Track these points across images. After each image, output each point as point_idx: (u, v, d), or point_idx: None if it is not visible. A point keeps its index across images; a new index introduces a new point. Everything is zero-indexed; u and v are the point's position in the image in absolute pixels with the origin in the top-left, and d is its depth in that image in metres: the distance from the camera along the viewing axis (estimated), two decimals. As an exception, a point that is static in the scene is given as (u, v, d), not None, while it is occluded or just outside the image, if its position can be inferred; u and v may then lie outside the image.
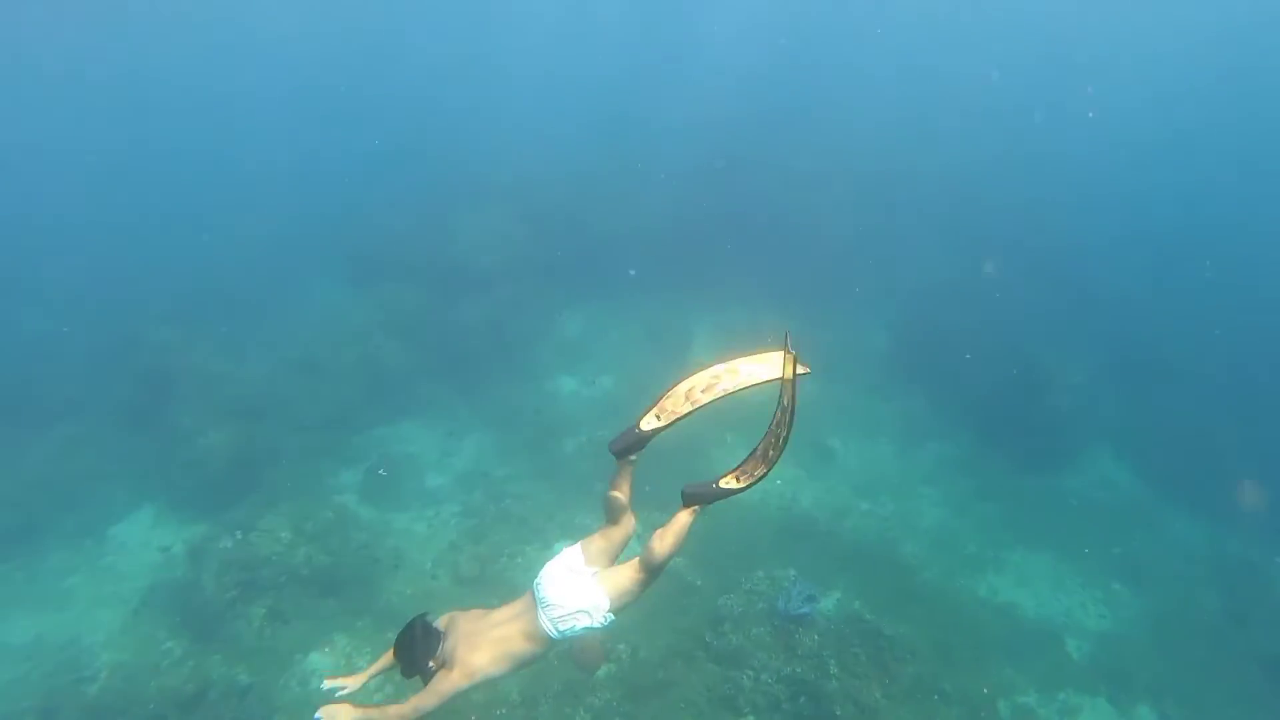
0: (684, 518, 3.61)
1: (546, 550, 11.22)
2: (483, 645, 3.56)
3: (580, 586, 3.51)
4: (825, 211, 18.76)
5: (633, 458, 3.74)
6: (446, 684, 3.37)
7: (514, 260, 16.98)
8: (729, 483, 3.57)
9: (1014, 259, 17.50)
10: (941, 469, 13.76)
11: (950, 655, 9.23)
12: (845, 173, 20.24)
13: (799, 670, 8.46)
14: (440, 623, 3.68)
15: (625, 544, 3.79)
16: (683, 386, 3.74)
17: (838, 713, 7.91)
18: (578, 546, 3.70)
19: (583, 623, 3.50)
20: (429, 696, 3.34)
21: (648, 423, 3.70)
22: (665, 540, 3.57)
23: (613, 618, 3.54)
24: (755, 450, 3.52)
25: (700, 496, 3.61)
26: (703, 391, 3.71)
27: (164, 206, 21.08)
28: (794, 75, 30.06)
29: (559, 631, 3.49)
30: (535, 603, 3.57)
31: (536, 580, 3.61)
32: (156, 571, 10.78)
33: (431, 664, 3.47)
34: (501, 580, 10.56)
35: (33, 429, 12.65)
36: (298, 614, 9.83)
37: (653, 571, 3.59)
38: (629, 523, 3.81)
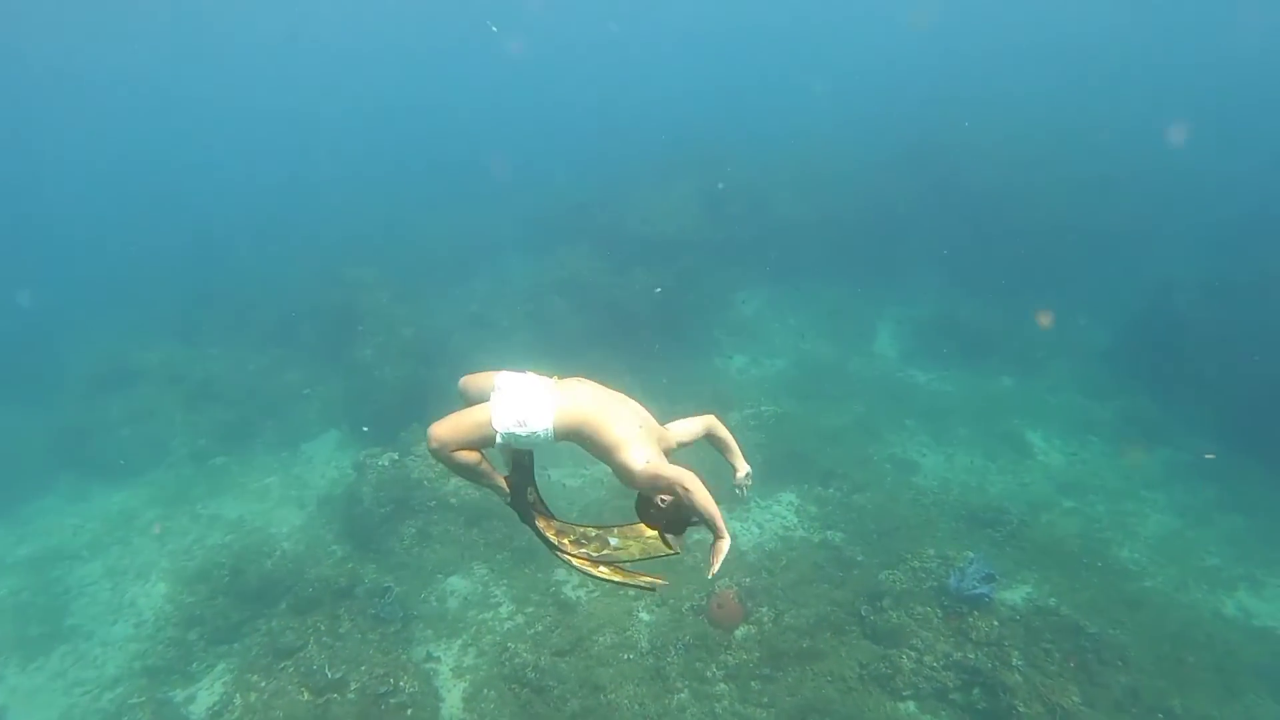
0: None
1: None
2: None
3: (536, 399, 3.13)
4: (1038, 200, 16.59)
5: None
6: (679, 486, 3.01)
7: (691, 235, 16.62)
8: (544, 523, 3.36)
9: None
10: (1172, 474, 11.59)
11: (1182, 673, 7.42)
12: (1065, 158, 17.77)
13: (972, 657, 7.17)
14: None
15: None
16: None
17: (1021, 709, 6.55)
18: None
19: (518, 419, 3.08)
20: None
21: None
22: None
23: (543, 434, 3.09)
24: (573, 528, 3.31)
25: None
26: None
27: (376, 167, 23.20)
28: (1011, 52, 27.29)
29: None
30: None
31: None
32: (332, 486, 11.60)
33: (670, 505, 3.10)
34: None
35: (252, 346, 14.28)
36: (444, 539, 10.00)
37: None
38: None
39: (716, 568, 3.01)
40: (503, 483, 3.31)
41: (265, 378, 13.82)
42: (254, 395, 13.54)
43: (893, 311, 16.21)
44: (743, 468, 3.53)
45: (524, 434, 3.08)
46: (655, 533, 3.15)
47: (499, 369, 3.39)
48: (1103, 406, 13.16)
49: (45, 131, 31.67)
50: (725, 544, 3.01)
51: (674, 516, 3.06)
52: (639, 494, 3.11)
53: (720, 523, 2.97)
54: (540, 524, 3.34)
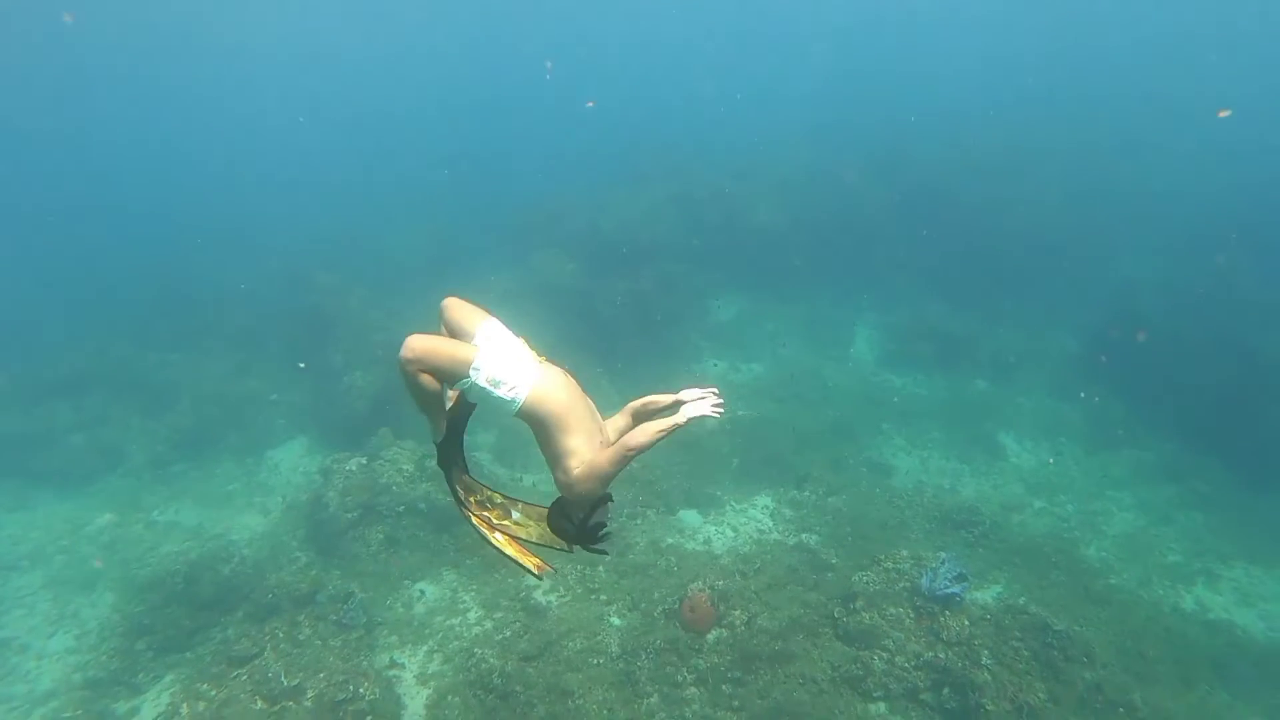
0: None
1: (670, 515, 10.56)
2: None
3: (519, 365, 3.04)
4: (1008, 209, 16.89)
5: None
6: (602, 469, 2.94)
7: (668, 241, 16.56)
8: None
9: (1241, 255, 14.80)
10: (1137, 474, 11.83)
11: (1143, 667, 7.49)
12: (1032, 168, 18.15)
13: (943, 657, 7.11)
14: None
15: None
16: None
17: (989, 708, 6.49)
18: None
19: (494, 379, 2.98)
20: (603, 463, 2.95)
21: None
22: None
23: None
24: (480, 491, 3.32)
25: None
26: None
27: (348, 171, 22.89)
28: (984, 68, 27.85)
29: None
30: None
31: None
32: (297, 492, 11.27)
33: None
34: (618, 539, 9.92)
35: (216, 351, 13.88)
36: (412, 544, 9.76)
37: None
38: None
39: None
40: (443, 423, 3.17)
41: (229, 383, 13.42)
42: (217, 401, 13.12)
43: (869, 317, 16.35)
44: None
45: (494, 393, 2.96)
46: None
47: (491, 313, 3.23)
48: (1072, 409, 13.32)
49: (17, 120, 30.87)
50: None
51: (580, 534, 3.04)
52: (561, 499, 3.05)
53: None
54: (456, 474, 3.28)
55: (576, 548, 3.11)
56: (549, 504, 3.14)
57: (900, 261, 17.02)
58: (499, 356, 3.00)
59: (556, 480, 3.00)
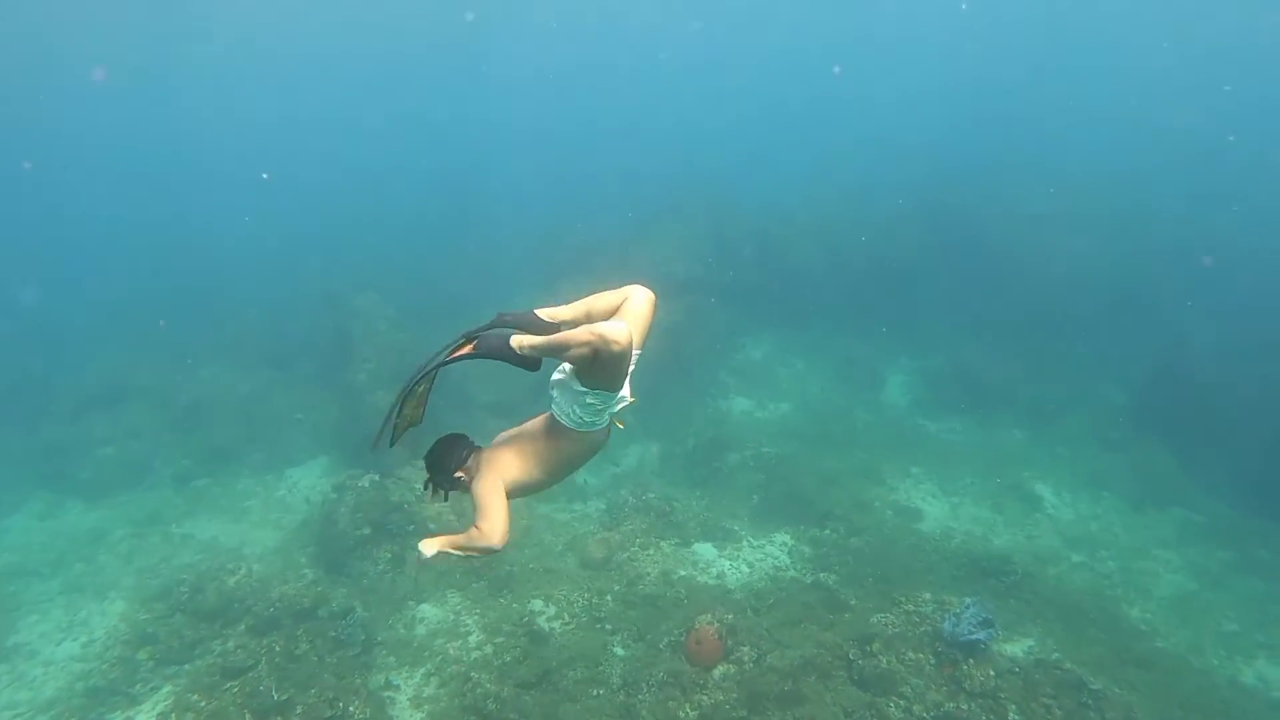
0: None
1: (684, 547, 10.23)
2: (504, 448, 3.15)
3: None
4: (1054, 258, 16.46)
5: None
6: (481, 488, 2.95)
7: (700, 276, 16.47)
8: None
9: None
10: (1187, 534, 11.07)
11: (1191, 737, 6.81)
12: (1084, 215, 17.68)
13: (965, 708, 6.62)
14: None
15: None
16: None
17: (1014, 765, 5.97)
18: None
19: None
20: (479, 509, 2.91)
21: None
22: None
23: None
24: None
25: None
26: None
27: (382, 196, 23.47)
28: (1025, 107, 27.58)
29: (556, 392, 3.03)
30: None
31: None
32: (312, 510, 11.23)
33: (459, 474, 3.07)
34: (629, 569, 9.68)
35: (245, 369, 14.12)
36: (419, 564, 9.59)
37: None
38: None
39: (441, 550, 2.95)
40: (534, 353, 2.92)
41: (256, 401, 13.60)
42: (244, 418, 13.31)
43: (904, 362, 15.93)
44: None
45: (556, 378, 3.02)
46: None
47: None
48: (1116, 463, 12.65)
49: (63, 133, 32.42)
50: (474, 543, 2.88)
51: (446, 484, 3.07)
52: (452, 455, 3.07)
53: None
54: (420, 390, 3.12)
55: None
56: None
57: (938, 306, 16.66)
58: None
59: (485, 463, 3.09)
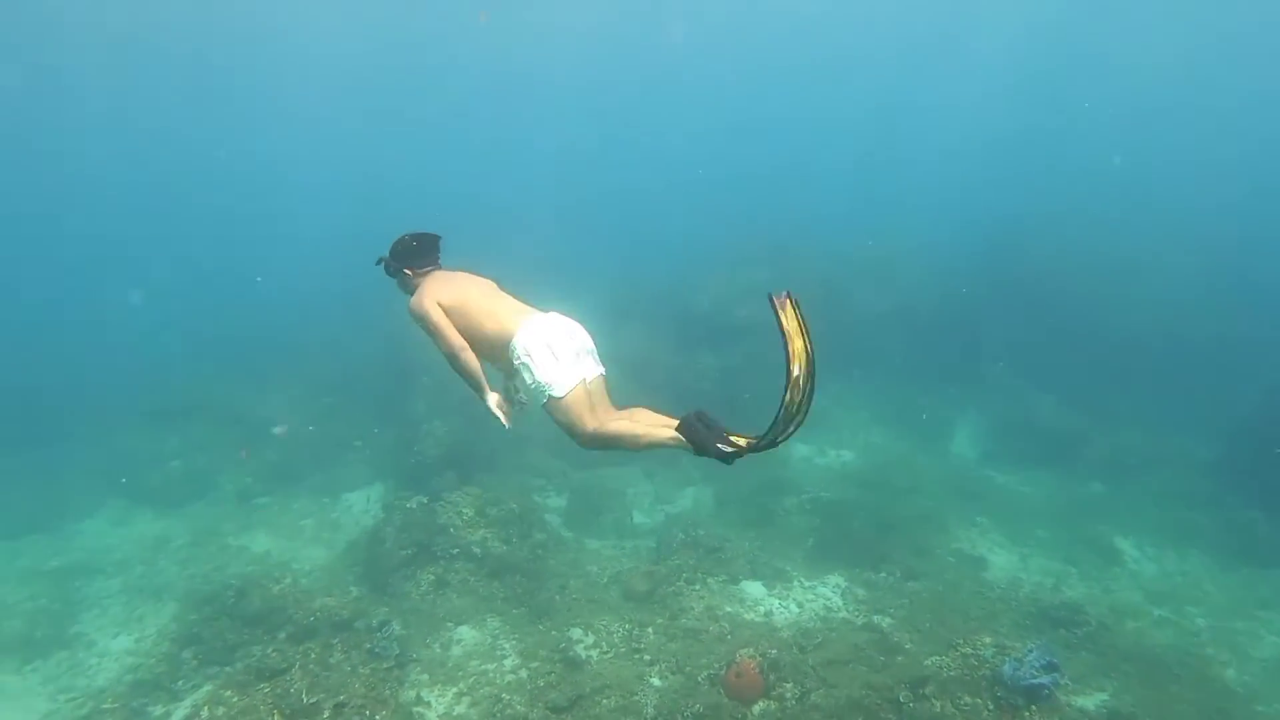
0: (664, 434, 3.39)
1: (732, 584, 9.87)
2: (446, 292, 3.92)
3: (573, 364, 3.59)
4: (1134, 307, 15.74)
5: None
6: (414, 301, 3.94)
7: (762, 320, 16.27)
8: (737, 441, 3.29)
9: None
10: (1293, 597, 9.95)
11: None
12: (1164, 263, 16.92)
13: (1027, 759, 6.02)
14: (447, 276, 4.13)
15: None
16: None
17: (1082, 823, 5.36)
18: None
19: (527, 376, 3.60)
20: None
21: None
22: (633, 428, 3.50)
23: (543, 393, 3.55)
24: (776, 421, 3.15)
25: (697, 435, 3.30)
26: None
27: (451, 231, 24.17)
28: (1109, 149, 26.79)
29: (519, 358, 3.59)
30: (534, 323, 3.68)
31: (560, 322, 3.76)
32: (362, 533, 11.37)
33: (407, 271, 4.17)
34: (673, 603, 9.36)
35: (311, 393, 14.63)
36: (461, 588, 9.55)
37: (592, 436, 3.56)
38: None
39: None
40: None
41: (319, 424, 14.00)
42: (305, 440, 13.71)
43: (973, 411, 15.29)
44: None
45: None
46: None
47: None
48: (1205, 518, 11.70)
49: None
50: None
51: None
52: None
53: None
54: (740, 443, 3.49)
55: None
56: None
57: (1009, 355, 15.99)
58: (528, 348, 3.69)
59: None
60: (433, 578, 9.61)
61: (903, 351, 15.92)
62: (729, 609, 9.24)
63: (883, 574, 9.89)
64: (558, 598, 9.56)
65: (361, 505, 12.59)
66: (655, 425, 3.45)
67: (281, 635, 8.42)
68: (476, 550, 9.92)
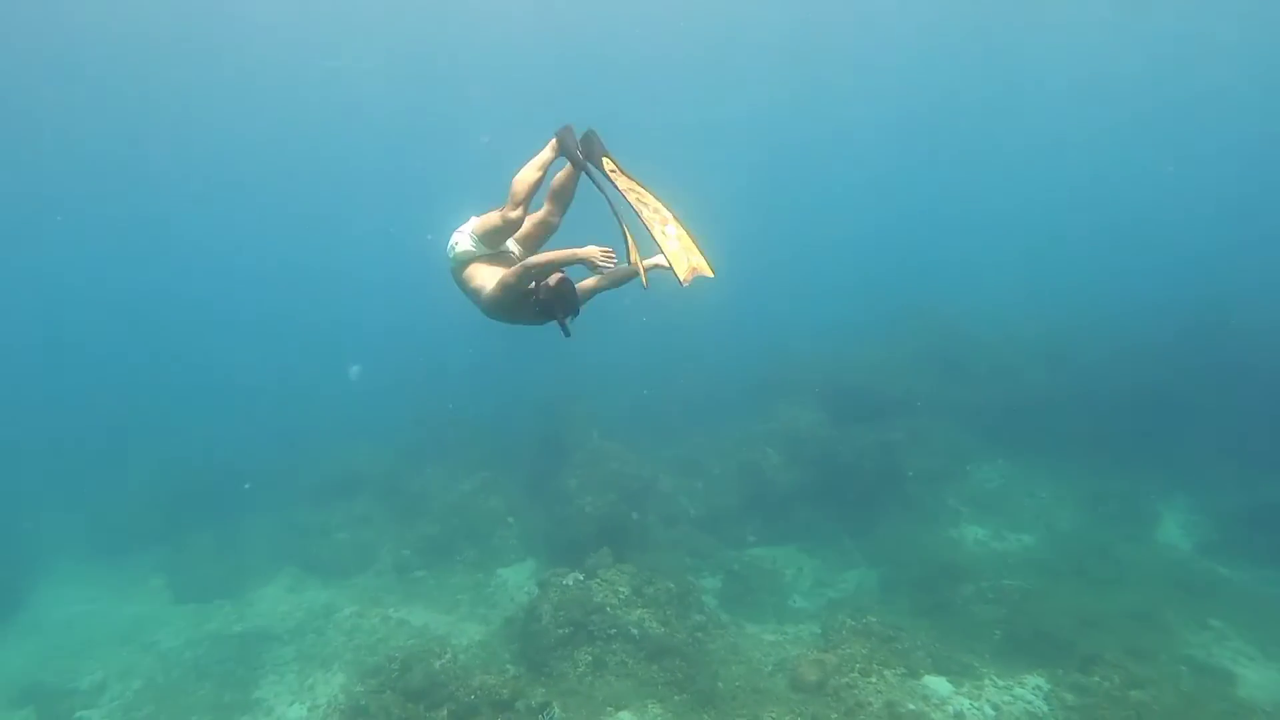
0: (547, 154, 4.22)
1: (912, 678, 8.87)
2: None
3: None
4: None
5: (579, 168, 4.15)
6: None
7: (921, 395, 15.45)
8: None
9: None
10: None
11: None
12: None
13: None
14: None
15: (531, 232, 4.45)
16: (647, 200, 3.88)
17: None
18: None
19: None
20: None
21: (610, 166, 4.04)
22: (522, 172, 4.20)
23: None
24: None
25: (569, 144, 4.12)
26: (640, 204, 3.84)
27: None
28: None
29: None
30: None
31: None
32: (518, 610, 11.24)
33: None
34: (847, 696, 8.52)
35: (465, 468, 14.94)
36: (619, 670, 9.17)
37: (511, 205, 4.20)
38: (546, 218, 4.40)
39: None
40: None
41: (472, 499, 14.26)
42: (460, 515, 13.95)
43: (1182, 500, 13.43)
44: None
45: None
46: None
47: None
48: None
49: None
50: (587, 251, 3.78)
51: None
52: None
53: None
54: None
55: None
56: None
57: (1221, 441, 14.06)
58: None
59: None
60: (590, 658, 9.29)
61: (1084, 434, 14.44)
62: (912, 706, 8.26)
63: (1095, 678, 8.53)
64: (720, 684, 8.96)
65: (516, 582, 12.58)
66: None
67: (444, 712, 8.30)
68: (634, 631, 9.54)
